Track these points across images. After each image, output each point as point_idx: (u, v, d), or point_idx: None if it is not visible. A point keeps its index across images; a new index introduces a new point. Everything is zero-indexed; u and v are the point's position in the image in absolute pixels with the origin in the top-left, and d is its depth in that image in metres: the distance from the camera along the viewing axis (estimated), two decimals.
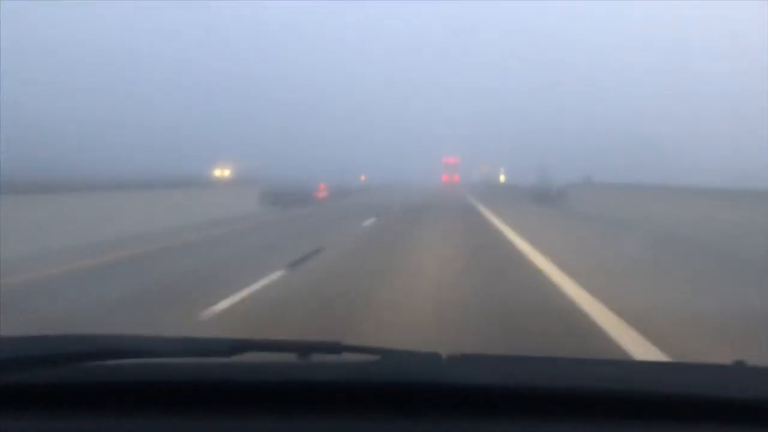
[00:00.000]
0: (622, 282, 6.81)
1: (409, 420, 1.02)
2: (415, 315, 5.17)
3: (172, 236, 11.86)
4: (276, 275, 7.15)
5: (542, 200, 25.75)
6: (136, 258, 9.16)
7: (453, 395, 1.06)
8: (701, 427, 1.07)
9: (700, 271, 7.71)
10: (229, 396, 1.05)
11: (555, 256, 8.49)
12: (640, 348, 4.07)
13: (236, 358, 1.12)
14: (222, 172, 53.50)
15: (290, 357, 1.16)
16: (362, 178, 59.05)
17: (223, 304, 5.56)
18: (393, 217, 17.37)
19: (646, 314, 4.96)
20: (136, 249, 9.99)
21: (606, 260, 8.76)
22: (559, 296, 5.96)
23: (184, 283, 7.04)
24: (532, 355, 1.40)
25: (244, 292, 6.13)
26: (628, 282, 6.82)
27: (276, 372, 1.12)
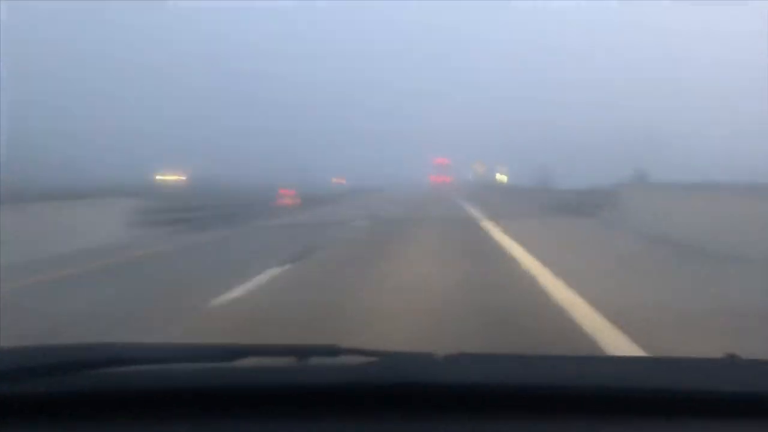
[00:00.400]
0: None
1: (407, 419, 1.00)
2: None
3: None
4: None
5: (573, 209, 17.79)
6: None
7: (448, 394, 1.05)
8: (695, 421, 1.05)
9: None
10: (232, 400, 1.02)
11: None
12: None
13: (238, 363, 1.09)
14: (175, 177, 45.90)
15: (290, 361, 1.13)
16: (342, 181, 51.22)
17: None
18: (331, 258, 9.09)
19: None
20: None
21: None
22: None
23: None
24: (526, 354, 1.47)
25: None
26: None
27: (277, 376, 1.10)
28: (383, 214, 19.81)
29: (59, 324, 4.78)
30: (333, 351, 1.13)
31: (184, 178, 43.74)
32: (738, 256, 7.39)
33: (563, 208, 19.51)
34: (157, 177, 46.05)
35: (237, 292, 5.98)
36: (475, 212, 19.73)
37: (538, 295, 5.70)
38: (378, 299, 5.60)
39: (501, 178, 50.16)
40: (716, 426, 1.04)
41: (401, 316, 4.85)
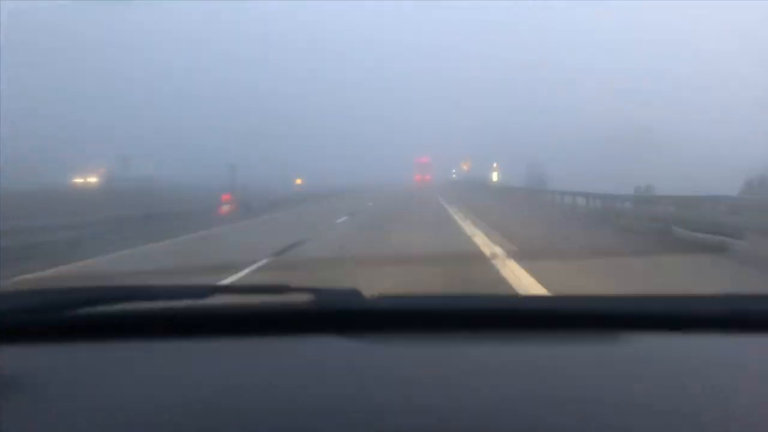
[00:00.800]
0: None
1: (335, 337, 1.24)
2: None
3: None
4: None
5: (678, 237, 9.62)
6: None
7: (369, 319, 1.32)
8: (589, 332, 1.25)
9: None
10: (207, 324, 1.33)
11: None
12: None
13: (210, 299, 1.39)
14: (85, 180, 37.35)
15: (251, 296, 1.45)
16: (298, 182, 42.95)
17: None
18: None
19: None
20: None
21: None
22: None
23: None
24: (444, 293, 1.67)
25: None
26: None
27: (242, 307, 1.42)
28: (322, 238, 11.41)
29: None
30: (283, 288, 1.42)
31: (96, 180, 35.23)
32: None
33: (635, 231, 11.34)
34: (75, 180, 37.86)
35: None
36: (482, 239, 11.32)
37: None
38: None
39: (493, 177, 41.67)
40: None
41: None
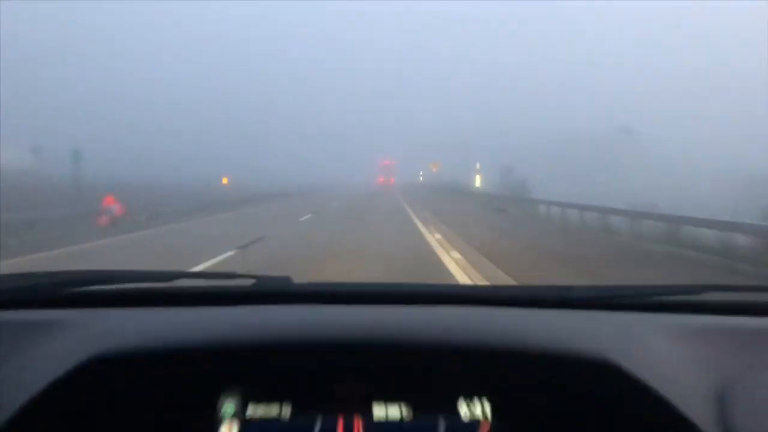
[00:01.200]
0: None
1: (268, 309, 1.55)
2: None
3: None
4: None
5: None
6: None
7: (297, 297, 1.62)
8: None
9: None
10: (171, 300, 1.64)
11: None
12: None
13: (175, 281, 1.69)
14: None
15: (206, 279, 1.74)
16: (224, 181, 36.07)
17: None
18: None
19: None
20: None
21: None
22: None
23: None
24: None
25: None
26: None
27: (201, 287, 1.69)
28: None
29: None
30: (232, 275, 1.71)
31: None
32: None
33: None
34: None
35: None
36: None
37: None
38: None
39: (476, 181, 34.48)
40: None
41: None
